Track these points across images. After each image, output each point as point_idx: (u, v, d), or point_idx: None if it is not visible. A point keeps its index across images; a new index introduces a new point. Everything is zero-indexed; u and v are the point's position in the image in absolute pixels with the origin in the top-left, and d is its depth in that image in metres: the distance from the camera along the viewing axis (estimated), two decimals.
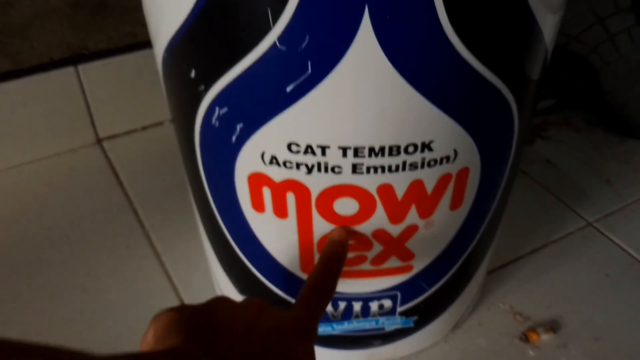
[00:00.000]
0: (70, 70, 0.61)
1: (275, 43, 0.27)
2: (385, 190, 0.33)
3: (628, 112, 0.68)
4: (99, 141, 0.67)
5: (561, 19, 0.32)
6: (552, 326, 0.47)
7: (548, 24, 0.30)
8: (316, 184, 0.33)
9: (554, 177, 0.63)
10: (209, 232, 0.42)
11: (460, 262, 0.40)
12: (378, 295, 0.40)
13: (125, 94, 0.65)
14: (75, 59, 0.61)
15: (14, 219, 0.58)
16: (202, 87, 0.31)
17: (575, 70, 0.72)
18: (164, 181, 0.62)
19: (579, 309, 0.49)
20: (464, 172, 0.34)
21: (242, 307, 0.28)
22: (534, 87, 0.34)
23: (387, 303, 0.41)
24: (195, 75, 0.31)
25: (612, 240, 0.55)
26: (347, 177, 0.32)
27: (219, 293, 0.48)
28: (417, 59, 0.27)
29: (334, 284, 0.33)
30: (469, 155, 0.33)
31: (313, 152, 0.31)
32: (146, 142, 0.68)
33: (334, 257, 0.34)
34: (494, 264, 0.53)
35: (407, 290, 0.40)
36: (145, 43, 0.64)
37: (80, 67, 0.61)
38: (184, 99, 0.34)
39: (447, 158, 0.32)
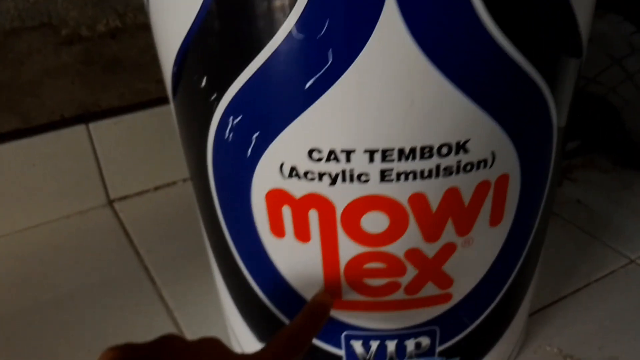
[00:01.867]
0: (81, 128, 0.60)
1: (291, 32, 0.25)
2: (418, 201, 0.30)
3: None
4: (110, 202, 0.65)
5: (594, 12, 0.31)
6: None
7: (582, 12, 0.28)
8: (341, 196, 0.30)
9: (587, 217, 0.60)
10: (223, 270, 0.39)
11: (503, 291, 0.37)
12: (415, 332, 0.36)
13: (137, 153, 0.64)
14: (87, 116, 0.60)
15: (18, 283, 0.54)
16: (214, 96, 0.29)
17: (596, 112, 0.70)
18: (176, 240, 0.59)
19: (635, 347, 0.44)
20: (503, 180, 0.31)
21: (195, 345, 0.27)
22: (570, 85, 0.31)
23: (425, 341, 0.36)
24: (207, 83, 0.29)
25: None
26: (375, 187, 0.29)
27: (235, 346, 0.43)
28: (447, 44, 0.25)
29: (308, 342, 0.31)
30: (508, 160, 0.30)
31: (337, 159, 0.28)
32: (159, 202, 0.66)
33: (314, 317, 0.32)
34: (535, 306, 0.48)
35: (446, 324, 0.36)
36: (158, 100, 0.63)
37: (92, 125, 0.60)
38: (195, 115, 0.32)
39: (485, 162, 0.29)
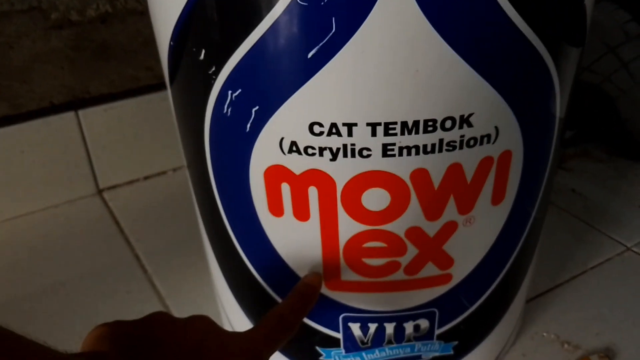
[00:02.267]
0: (70, 115, 0.59)
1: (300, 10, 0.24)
2: (420, 177, 0.29)
3: None
4: (100, 191, 0.64)
5: None
6: (607, 354, 0.42)
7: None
8: (342, 172, 0.29)
9: (582, 206, 0.60)
10: (218, 252, 0.38)
11: (502, 274, 0.36)
12: (414, 314, 0.35)
13: (127, 141, 0.63)
14: (76, 103, 0.59)
15: (6, 272, 0.53)
16: (212, 69, 0.28)
17: (590, 101, 0.70)
18: (167, 229, 0.58)
19: (633, 334, 0.44)
20: (506, 156, 0.30)
21: (185, 323, 0.27)
22: (574, 65, 0.31)
23: (424, 323, 0.36)
24: (205, 56, 0.28)
25: None
26: (377, 162, 0.28)
27: (228, 329, 0.43)
28: (453, 11, 0.25)
29: (297, 322, 0.31)
30: (512, 136, 0.30)
31: (338, 133, 0.28)
32: (149, 192, 0.65)
33: (304, 297, 0.32)
34: (531, 293, 0.48)
35: (445, 306, 0.35)
36: (149, 87, 0.62)
37: (81, 112, 0.59)
38: (193, 90, 0.31)
39: (488, 137, 0.29)
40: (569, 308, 0.47)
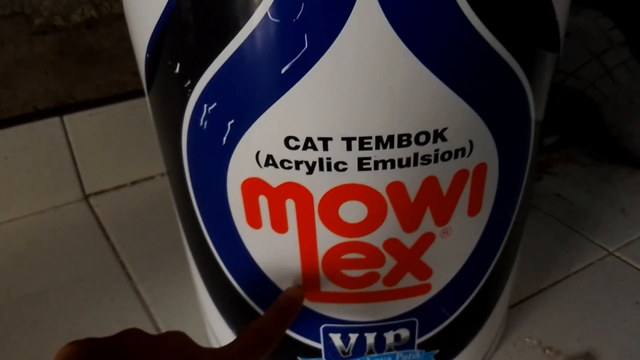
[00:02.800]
0: (55, 120, 0.58)
1: (267, 15, 0.24)
2: (396, 190, 0.29)
3: (634, 143, 0.66)
4: (86, 197, 0.64)
5: (570, 8, 0.30)
6: (587, 359, 0.42)
7: (560, 2, 0.28)
8: (318, 185, 0.29)
9: (566, 210, 0.60)
10: (199, 262, 0.38)
11: (481, 283, 0.36)
12: (394, 324, 0.35)
13: (113, 146, 0.63)
14: (61, 108, 0.59)
15: None
16: (187, 83, 0.28)
17: (575, 106, 0.70)
18: (153, 236, 0.58)
19: (613, 338, 0.44)
20: (481, 169, 0.30)
21: (158, 340, 0.27)
22: (548, 75, 0.31)
23: (405, 333, 0.36)
24: (180, 69, 0.28)
25: (637, 268, 0.51)
26: (353, 176, 0.29)
27: (212, 340, 0.43)
28: (424, 29, 0.25)
29: (278, 336, 0.30)
30: (486, 149, 0.30)
31: (314, 147, 0.28)
32: (135, 197, 0.65)
33: (285, 311, 0.32)
34: (514, 298, 0.48)
35: (425, 316, 0.36)
36: (135, 92, 0.62)
37: (66, 118, 0.59)
38: (169, 103, 0.31)
39: (463, 151, 0.29)
40: (552, 313, 0.47)
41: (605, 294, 0.49)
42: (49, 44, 0.55)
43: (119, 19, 0.58)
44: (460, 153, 0.29)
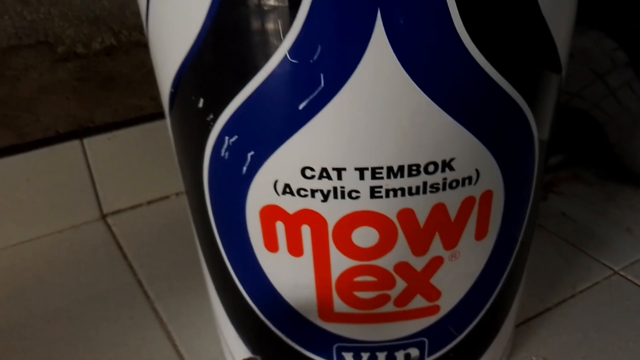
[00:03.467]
0: (75, 143, 0.61)
1: (286, 56, 0.26)
2: (406, 216, 0.31)
3: (638, 163, 0.68)
4: (104, 217, 0.66)
5: (572, 31, 0.32)
6: None
7: (561, 34, 0.30)
8: (333, 212, 0.31)
9: (572, 229, 0.61)
10: (217, 283, 0.39)
11: (489, 303, 0.38)
12: (404, 343, 0.37)
13: (130, 167, 0.65)
14: (81, 132, 0.61)
15: (11, 297, 0.55)
16: (210, 117, 0.30)
17: (580, 126, 0.72)
18: (169, 254, 0.60)
19: (619, 358, 0.45)
20: (487, 196, 0.32)
21: None
22: (551, 106, 0.33)
23: (414, 352, 0.37)
24: (204, 104, 0.30)
25: None
26: (365, 203, 0.30)
27: (228, 357, 0.44)
28: (432, 67, 0.27)
29: None
30: (492, 177, 0.31)
31: (329, 177, 0.30)
32: (152, 216, 0.67)
33: None
34: (520, 317, 0.50)
35: (434, 335, 0.37)
36: (151, 115, 0.64)
37: (86, 141, 0.61)
38: (192, 134, 0.33)
39: (469, 179, 0.31)
40: (558, 332, 0.48)
41: (611, 313, 0.50)
42: (70, 70, 0.58)
43: (137, 46, 0.60)
44: (467, 181, 0.31)
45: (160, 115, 0.64)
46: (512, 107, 0.30)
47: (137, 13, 0.58)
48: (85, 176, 0.63)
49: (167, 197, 0.69)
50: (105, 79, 0.60)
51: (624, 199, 0.66)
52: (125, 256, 0.60)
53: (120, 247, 0.62)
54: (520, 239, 0.37)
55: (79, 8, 0.56)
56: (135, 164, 0.65)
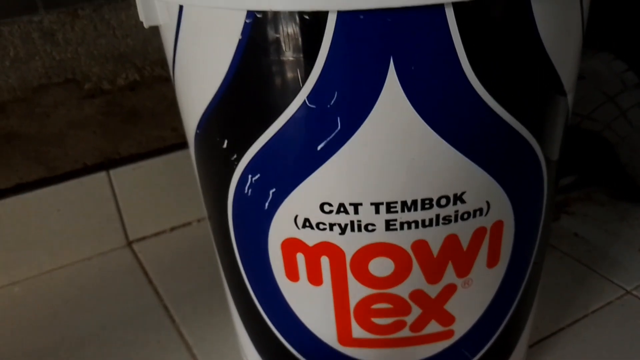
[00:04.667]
0: (102, 175, 0.63)
1: (305, 102, 0.29)
2: (420, 247, 0.33)
3: None
4: (129, 243, 0.68)
5: (578, 69, 0.34)
6: None
7: (566, 71, 0.32)
8: (350, 244, 0.33)
9: (584, 249, 0.62)
10: (240, 309, 0.41)
11: (502, 326, 0.39)
12: None
13: (154, 196, 0.67)
14: (107, 163, 0.64)
15: (44, 323, 0.57)
16: (234, 157, 0.32)
17: (591, 147, 0.73)
18: (193, 278, 0.62)
19: None
20: (498, 226, 0.34)
21: None
22: (558, 137, 0.34)
23: None
24: (228, 145, 0.32)
25: None
26: (381, 235, 0.32)
27: None
28: (442, 108, 0.29)
29: None
30: (502, 208, 0.33)
31: (346, 211, 0.32)
32: (175, 242, 0.69)
33: None
34: (534, 338, 0.51)
35: (449, 358, 0.39)
36: (174, 146, 0.67)
37: (112, 172, 0.64)
38: (217, 172, 0.35)
39: (480, 210, 0.32)
40: (570, 352, 0.50)
41: (623, 333, 0.51)
42: (96, 106, 0.61)
43: (159, 81, 0.63)
44: (478, 213, 0.32)
45: (181, 146, 0.67)
46: (519, 141, 0.32)
47: (159, 49, 0.61)
48: (111, 205, 0.65)
49: (189, 224, 0.71)
50: (129, 113, 0.63)
51: (636, 219, 0.67)
52: (150, 281, 0.62)
53: (145, 273, 0.64)
54: (531, 263, 0.38)
55: (104, 47, 0.59)
56: (159, 193, 0.68)
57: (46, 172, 0.61)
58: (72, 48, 0.58)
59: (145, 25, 0.33)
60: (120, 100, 0.62)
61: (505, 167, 0.32)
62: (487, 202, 0.32)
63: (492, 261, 0.35)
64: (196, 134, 0.35)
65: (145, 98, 0.63)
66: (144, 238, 0.69)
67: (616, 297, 0.56)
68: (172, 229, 0.71)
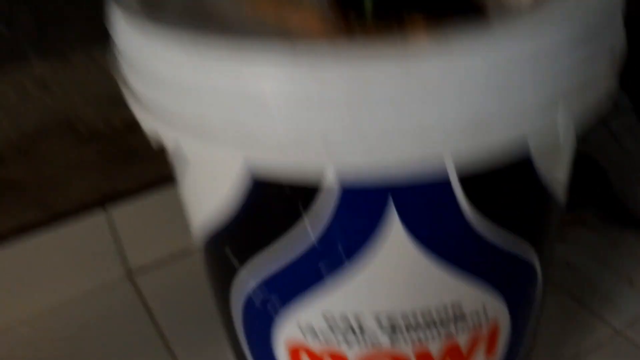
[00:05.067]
0: (100, 211, 0.64)
1: (313, 246, 0.29)
2: (424, 355, 0.34)
3: None
4: (129, 275, 0.69)
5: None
6: None
7: (560, 190, 0.33)
8: (354, 352, 0.34)
9: (575, 281, 0.64)
10: None
11: None
12: None
13: (152, 228, 0.68)
14: (106, 200, 0.64)
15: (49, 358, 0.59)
16: (239, 267, 0.33)
17: (583, 170, 0.74)
18: (192, 310, 0.64)
19: None
20: (495, 329, 0.35)
21: None
22: (552, 242, 0.36)
23: None
24: (233, 257, 0.33)
25: None
26: (384, 345, 0.33)
27: None
28: (440, 241, 0.29)
29: None
30: (499, 315, 0.34)
31: (349, 323, 0.33)
32: (173, 273, 0.70)
33: None
34: None
35: None
36: (170, 179, 0.67)
37: (110, 208, 0.64)
38: (221, 277, 0.36)
39: (480, 324, 0.34)
40: None
41: None
42: (93, 148, 0.60)
43: None
44: (477, 325, 0.34)
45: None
46: (519, 262, 0.33)
47: None
48: (110, 240, 0.66)
49: (187, 254, 0.72)
50: (128, 154, 0.63)
51: (627, 247, 0.68)
52: (149, 312, 0.64)
53: (144, 304, 0.65)
54: (525, 344, 0.40)
55: (98, 89, 0.59)
56: (157, 225, 0.68)
57: (45, 215, 0.61)
58: (64, 92, 0.57)
59: (155, 147, 0.33)
60: (117, 141, 0.62)
61: (504, 286, 0.33)
62: (487, 316, 0.34)
63: (489, 354, 0.37)
64: (203, 244, 0.36)
65: (141, 137, 0.62)
66: (143, 268, 0.70)
67: (607, 336, 0.57)
68: (173, 259, 0.72)
